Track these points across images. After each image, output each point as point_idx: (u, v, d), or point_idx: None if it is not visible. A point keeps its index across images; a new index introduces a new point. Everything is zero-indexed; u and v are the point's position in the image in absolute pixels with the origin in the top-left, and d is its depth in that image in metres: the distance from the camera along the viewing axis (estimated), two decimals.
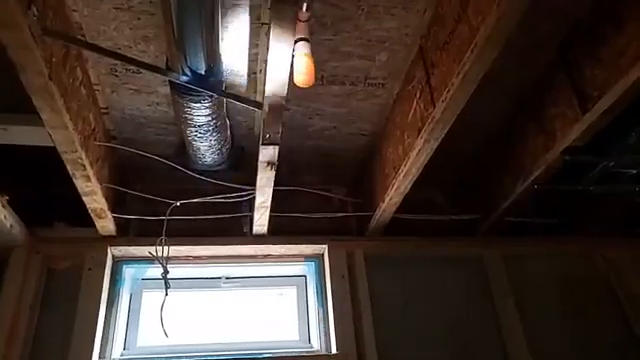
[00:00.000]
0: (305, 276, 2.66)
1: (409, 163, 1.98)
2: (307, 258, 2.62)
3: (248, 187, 2.39)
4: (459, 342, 2.41)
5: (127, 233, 2.43)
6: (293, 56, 1.43)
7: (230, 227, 2.52)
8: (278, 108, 1.58)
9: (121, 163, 2.40)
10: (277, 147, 1.81)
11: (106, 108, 2.15)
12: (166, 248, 2.19)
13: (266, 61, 1.46)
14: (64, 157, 1.74)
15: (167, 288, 2.13)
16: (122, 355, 2.25)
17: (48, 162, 2.17)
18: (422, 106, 1.87)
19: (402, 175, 2.05)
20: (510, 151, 2.34)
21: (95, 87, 2.02)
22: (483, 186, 2.62)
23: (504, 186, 2.40)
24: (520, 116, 2.26)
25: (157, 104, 2.17)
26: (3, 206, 1.98)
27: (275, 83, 1.50)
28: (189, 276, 2.54)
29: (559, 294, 2.60)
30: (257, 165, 2.26)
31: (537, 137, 2.13)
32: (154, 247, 2.32)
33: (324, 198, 2.62)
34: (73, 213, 2.32)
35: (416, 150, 1.90)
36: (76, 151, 1.72)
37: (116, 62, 1.93)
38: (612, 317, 2.56)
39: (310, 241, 2.55)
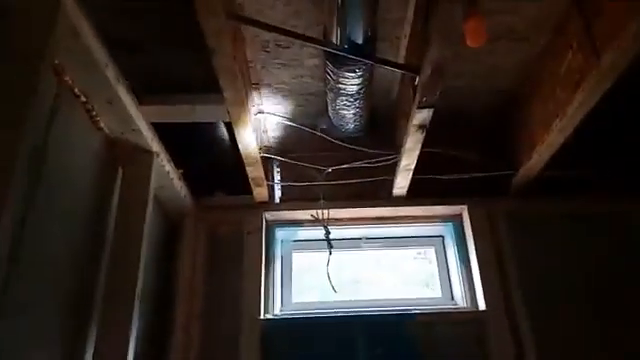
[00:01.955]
0: (443, 236, 2.71)
1: (565, 118, 1.92)
2: (445, 219, 2.66)
3: (385, 152, 2.46)
4: (604, 295, 2.36)
5: (274, 199, 2.61)
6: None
7: (368, 191, 2.60)
8: (441, 71, 1.61)
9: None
10: (432, 110, 1.84)
11: (257, 84, 2.30)
12: (320, 211, 2.33)
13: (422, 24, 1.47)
14: (237, 131, 1.91)
15: (331, 247, 2.29)
16: (281, 311, 2.47)
17: (206, 138, 2.42)
18: (581, 58, 1.79)
19: (556, 131, 2.00)
20: None
21: (250, 64, 2.16)
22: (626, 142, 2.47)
23: None
24: None
25: (301, 76, 2.28)
26: (179, 179, 2.22)
27: (440, 45, 1.53)
28: (332, 237, 2.68)
29: None
30: (394, 129, 2.34)
31: None
32: (302, 211, 2.51)
33: (458, 159, 2.61)
34: (229, 183, 2.55)
35: (575, 104, 1.84)
36: (247, 125, 1.88)
37: (268, 39, 2.05)
38: None
39: (448, 202, 2.58)
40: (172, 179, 2.12)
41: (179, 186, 2.23)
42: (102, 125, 1.66)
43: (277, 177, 2.60)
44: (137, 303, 1.64)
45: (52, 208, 1.38)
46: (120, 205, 1.77)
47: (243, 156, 2.12)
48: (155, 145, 1.88)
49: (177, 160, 2.20)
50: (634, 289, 2.38)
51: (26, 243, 1.22)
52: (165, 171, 2.03)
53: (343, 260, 2.79)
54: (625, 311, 2.35)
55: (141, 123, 1.72)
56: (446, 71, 1.64)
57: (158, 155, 1.90)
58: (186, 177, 2.32)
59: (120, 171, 1.82)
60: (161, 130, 1.97)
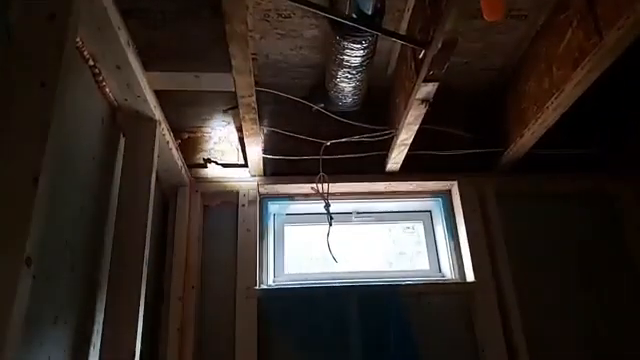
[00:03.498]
0: (430, 211, 2.78)
1: (562, 96, 1.98)
2: (434, 194, 2.72)
3: (381, 127, 2.48)
4: (588, 269, 2.50)
5: (267, 173, 2.60)
6: None
7: (362, 166, 2.63)
8: (452, 45, 1.63)
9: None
10: (437, 84, 1.87)
11: (255, 54, 2.27)
12: (319, 185, 2.35)
13: None
14: (241, 101, 1.89)
15: (331, 219, 2.31)
16: (274, 281, 2.49)
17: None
18: (581, 36, 1.84)
19: (551, 109, 2.06)
20: None
21: (250, 34, 2.13)
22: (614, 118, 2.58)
23: None
24: None
25: (300, 47, 2.26)
26: (177, 148, 2.19)
27: (455, 19, 1.55)
28: (323, 211, 2.71)
29: None
30: (390, 105, 2.36)
31: None
32: (296, 185, 2.53)
33: (450, 136, 2.66)
34: (225, 155, 2.53)
35: (573, 82, 1.90)
36: (252, 95, 1.87)
37: (270, 8, 2.02)
38: None
39: (439, 178, 2.64)
40: (171, 149, 2.09)
41: (177, 156, 2.20)
42: (107, 90, 1.61)
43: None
44: (145, 269, 1.63)
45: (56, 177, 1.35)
46: (123, 173, 1.74)
47: (243, 127, 2.10)
48: (158, 113, 1.84)
49: (174, 129, 2.17)
50: (616, 264, 2.52)
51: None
52: (165, 140, 2.00)
53: (334, 234, 2.82)
54: (608, 284, 2.48)
55: (146, 90, 1.68)
56: (457, 45, 1.66)
57: (160, 124, 1.86)
58: (183, 147, 2.29)
59: (122, 139, 1.78)
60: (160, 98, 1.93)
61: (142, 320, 1.58)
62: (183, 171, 2.33)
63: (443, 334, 2.33)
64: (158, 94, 1.89)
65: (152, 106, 1.76)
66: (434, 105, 2.65)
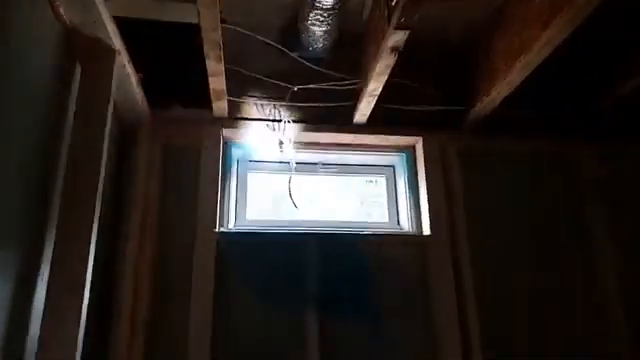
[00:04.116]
0: (394, 166, 2.80)
1: (530, 54, 1.99)
2: (399, 149, 2.74)
3: (351, 77, 2.45)
4: (544, 231, 2.58)
5: (232, 116, 2.54)
6: None
7: (329, 116, 2.60)
8: None
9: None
10: (408, 32, 1.84)
11: None
12: (281, 131, 2.32)
13: None
14: (205, 36, 1.82)
15: (292, 165, 2.30)
16: (235, 226, 2.49)
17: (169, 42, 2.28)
18: None
19: (519, 68, 2.07)
20: None
21: None
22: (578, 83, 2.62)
23: None
24: None
25: None
26: (138, 83, 2.10)
27: None
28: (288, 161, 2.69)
29: None
30: (362, 55, 2.32)
31: None
32: (262, 130, 2.49)
33: (418, 91, 2.65)
34: (186, 95, 2.45)
35: (542, 42, 1.90)
36: (217, 30, 1.79)
37: None
38: None
39: (405, 132, 2.65)
40: (132, 83, 2.01)
41: (137, 92, 2.12)
42: (62, 11, 1.51)
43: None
44: (98, 205, 1.59)
45: (5, 98, 1.27)
46: (79, 104, 1.66)
47: (207, 65, 2.03)
48: (117, 42, 1.75)
49: (136, 62, 2.07)
50: (572, 226, 2.61)
51: None
52: (125, 73, 1.91)
53: (297, 183, 2.82)
54: (562, 245, 2.57)
55: (104, 15, 1.59)
56: None
57: (119, 53, 1.78)
58: (145, 83, 2.20)
59: (79, 67, 1.69)
60: (121, 25, 1.83)
61: (93, 259, 1.55)
62: (144, 108, 2.25)
63: (398, 285, 2.39)
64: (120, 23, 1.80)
65: (111, 34, 1.67)
66: (405, 59, 2.62)
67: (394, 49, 1.95)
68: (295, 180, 2.74)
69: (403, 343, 2.29)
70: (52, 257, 1.50)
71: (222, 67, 2.07)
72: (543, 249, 2.55)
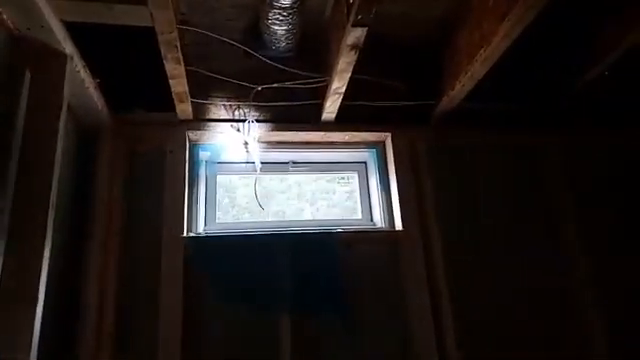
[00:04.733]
0: (365, 162, 2.80)
1: (490, 48, 1.99)
2: (369, 145, 2.73)
3: (316, 75, 2.43)
4: (513, 224, 2.60)
5: (200, 118, 2.50)
6: None
7: (297, 115, 2.58)
8: None
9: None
10: (366, 29, 1.83)
11: None
12: (247, 132, 2.29)
13: None
14: (161, 38, 1.78)
15: (257, 166, 2.28)
16: (205, 230, 2.46)
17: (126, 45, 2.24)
18: None
19: (480, 61, 2.08)
20: None
21: None
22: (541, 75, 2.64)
23: None
24: None
25: None
26: (95, 88, 2.06)
27: None
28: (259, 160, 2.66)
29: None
30: (326, 52, 2.30)
31: None
32: (228, 132, 2.46)
33: (386, 87, 2.64)
34: (151, 98, 2.41)
35: (500, 35, 1.91)
36: (172, 32, 1.76)
37: None
38: None
39: (373, 129, 2.64)
40: (87, 88, 1.96)
41: (95, 97, 2.07)
42: (5, 17, 1.47)
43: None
44: (51, 213, 1.55)
45: None
46: (29, 112, 1.61)
47: (166, 68, 1.99)
48: (68, 47, 1.70)
49: (93, 68, 2.03)
50: (539, 218, 2.63)
51: None
52: (80, 78, 1.87)
53: (269, 183, 2.81)
54: (531, 238, 2.58)
55: (51, 19, 1.55)
56: None
57: (72, 59, 1.73)
58: (104, 88, 2.15)
59: (28, 75, 1.65)
60: (77, 32, 1.79)
61: (47, 268, 1.52)
62: (105, 113, 2.21)
63: (371, 281, 2.38)
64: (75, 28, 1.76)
65: (60, 38, 1.63)
66: (371, 55, 2.62)
67: (354, 47, 1.94)
68: (265, 181, 2.75)
69: (377, 340, 2.29)
70: (2, 267, 1.46)
71: (182, 69, 2.04)
72: (514, 241, 2.56)
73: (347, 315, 2.31)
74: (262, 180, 2.75)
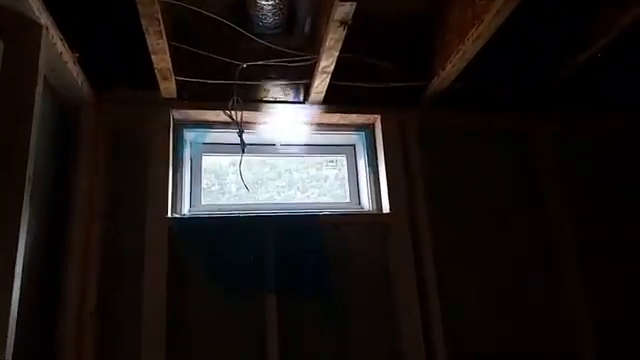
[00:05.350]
0: (354, 145, 2.75)
1: (482, 26, 1.94)
2: (358, 127, 2.68)
3: (304, 53, 2.37)
4: (501, 208, 2.58)
5: (185, 97, 2.43)
6: None
7: (283, 94, 2.53)
8: None
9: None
10: (355, 4, 1.77)
11: None
12: (234, 112, 2.23)
13: None
14: (142, 10, 1.71)
15: (244, 145, 2.22)
16: (190, 212, 2.41)
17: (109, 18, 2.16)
18: None
19: (472, 40, 2.03)
20: None
21: None
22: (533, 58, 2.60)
23: None
24: None
25: None
26: (74, 62, 1.99)
27: None
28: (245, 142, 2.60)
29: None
30: (315, 30, 2.24)
31: None
32: (214, 111, 2.40)
33: (377, 68, 2.58)
34: (133, 76, 2.34)
35: (493, 11, 1.86)
36: (154, 4, 1.69)
37: None
38: None
39: (363, 110, 2.59)
40: (66, 62, 1.89)
41: (75, 72, 2.00)
42: None
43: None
44: (27, 196, 1.49)
45: None
46: (2, 84, 1.54)
47: (148, 42, 1.92)
48: (43, 17, 1.63)
49: (73, 42, 1.95)
50: (530, 204, 2.61)
51: None
52: (57, 51, 1.79)
53: (259, 170, 2.76)
54: (521, 223, 2.57)
55: None
56: None
57: (47, 29, 1.66)
58: (84, 64, 2.08)
59: (1, 45, 1.57)
60: (54, 2, 1.71)
61: (24, 261, 1.46)
62: (85, 90, 2.13)
63: (357, 264, 2.35)
64: None
65: (34, 7, 1.55)
66: (362, 35, 2.57)
67: (342, 22, 1.88)
68: (251, 162, 2.70)
69: (363, 323, 2.27)
70: None
71: (165, 44, 1.96)
72: (502, 225, 2.54)
73: (334, 299, 2.28)
74: (252, 166, 2.71)
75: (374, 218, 2.47)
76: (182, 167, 2.43)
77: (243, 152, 2.26)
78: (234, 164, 2.62)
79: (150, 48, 1.96)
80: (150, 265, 2.13)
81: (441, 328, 2.28)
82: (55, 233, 2.04)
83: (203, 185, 2.53)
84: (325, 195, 2.78)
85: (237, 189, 2.65)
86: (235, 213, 2.42)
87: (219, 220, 2.34)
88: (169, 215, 2.24)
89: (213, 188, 2.69)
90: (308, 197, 2.76)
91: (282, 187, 2.76)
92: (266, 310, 2.18)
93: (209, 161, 2.61)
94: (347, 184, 2.69)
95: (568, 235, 2.55)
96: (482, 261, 2.46)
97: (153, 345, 2.03)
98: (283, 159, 2.75)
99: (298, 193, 2.75)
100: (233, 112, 2.35)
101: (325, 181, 2.78)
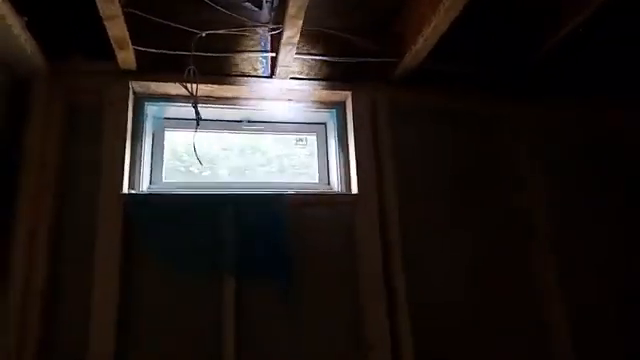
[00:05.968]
0: (325, 123, 2.66)
1: None
2: (329, 105, 2.59)
3: (269, 23, 2.27)
4: (469, 191, 2.51)
5: (145, 69, 2.32)
6: None
7: (251, 68, 2.43)
8: None
9: None
10: None
11: None
12: (191, 84, 2.13)
13: None
14: None
15: (199, 119, 2.13)
16: (149, 189, 2.31)
17: None
18: None
19: (443, 10, 1.93)
20: None
21: None
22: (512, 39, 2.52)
23: None
24: None
25: None
26: (22, 28, 1.87)
27: None
28: (210, 117, 2.49)
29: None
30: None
31: None
32: (175, 84, 2.29)
33: (348, 44, 2.49)
34: (89, 45, 2.23)
35: None
36: None
37: None
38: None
39: (334, 87, 2.49)
40: (10, 25, 1.78)
41: (23, 38, 1.88)
42: None
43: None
44: None
45: None
46: None
47: (99, 7, 1.81)
48: None
49: (20, 5, 1.83)
50: (501, 186, 2.55)
51: None
52: None
53: (224, 141, 2.66)
54: (490, 206, 2.51)
55: None
56: None
57: None
58: (35, 29, 1.96)
59: None
60: None
61: None
62: (37, 59, 2.02)
63: (322, 246, 2.27)
64: None
65: None
66: (333, 8, 2.47)
67: None
68: (216, 138, 2.61)
69: (326, 306, 2.19)
70: None
71: (118, 9, 1.85)
72: (474, 210, 2.47)
73: (296, 282, 2.20)
74: (213, 138, 2.60)
75: (342, 198, 2.39)
76: (142, 142, 2.33)
77: (198, 125, 2.15)
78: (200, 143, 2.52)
79: (102, 13, 1.84)
80: (102, 244, 2.04)
81: (406, 310, 2.21)
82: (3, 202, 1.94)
83: (177, 164, 2.44)
84: (298, 175, 2.70)
85: (209, 167, 2.56)
86: (196, 191, 2.33)
87: (177, 198, 2.25)
88: (125, 191, 2.14)
89: (180, 169, 2.59)
90: (280, 175, 2.67)
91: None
92: (224, 293, 2.10)
93: (182, 139, 2.51)
94: (317, 164, 2.61)
95: (548, 220, 2.51)
96: (451, 247, 2.39)
97: (102, 328, 1.94)
98: (249, 135, 2.64)
99: (265, 169, 2.66)
100: (192, 86, 2.23)
101: (294, 159, 2.70)
